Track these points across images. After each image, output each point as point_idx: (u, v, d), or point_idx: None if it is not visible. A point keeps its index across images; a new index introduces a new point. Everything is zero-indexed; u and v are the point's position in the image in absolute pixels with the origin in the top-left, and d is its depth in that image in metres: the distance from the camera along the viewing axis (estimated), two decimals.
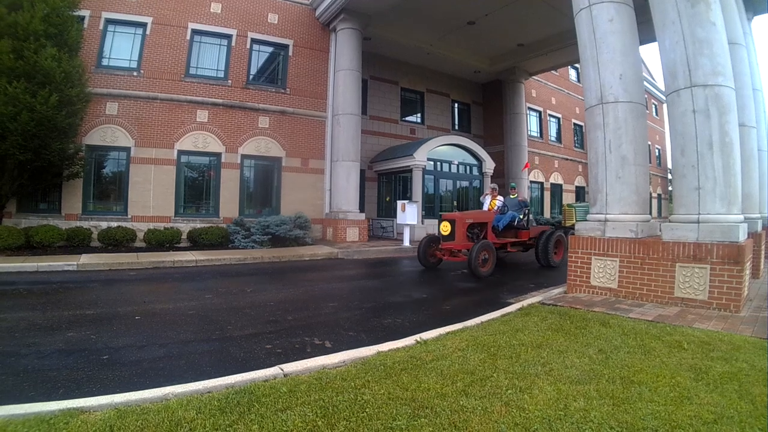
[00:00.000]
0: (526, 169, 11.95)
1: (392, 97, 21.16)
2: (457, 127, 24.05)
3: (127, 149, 13.34)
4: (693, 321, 5.21)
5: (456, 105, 24.26)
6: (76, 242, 11.74)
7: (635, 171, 6.91)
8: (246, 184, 15.32)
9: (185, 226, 13.57)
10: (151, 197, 13.57)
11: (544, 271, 10.57)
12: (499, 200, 11.61)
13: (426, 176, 18.06)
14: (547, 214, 25.98)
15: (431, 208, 18.54)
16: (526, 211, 11.90)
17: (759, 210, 9.48)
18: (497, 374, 3.44)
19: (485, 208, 12.17)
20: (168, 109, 13.86)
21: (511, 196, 12.06)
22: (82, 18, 12.62)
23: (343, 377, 3.37)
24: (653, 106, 37.44)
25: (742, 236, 5.80)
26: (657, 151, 38.70)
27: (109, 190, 13.59)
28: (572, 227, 14.05)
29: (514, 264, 11.82)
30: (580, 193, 28.62)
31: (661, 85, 7.38)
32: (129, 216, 13.20)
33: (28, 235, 10.98)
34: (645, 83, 25.91)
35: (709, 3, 6.14)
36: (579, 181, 28.73)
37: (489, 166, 19.95)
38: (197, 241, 13.14)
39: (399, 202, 15.56)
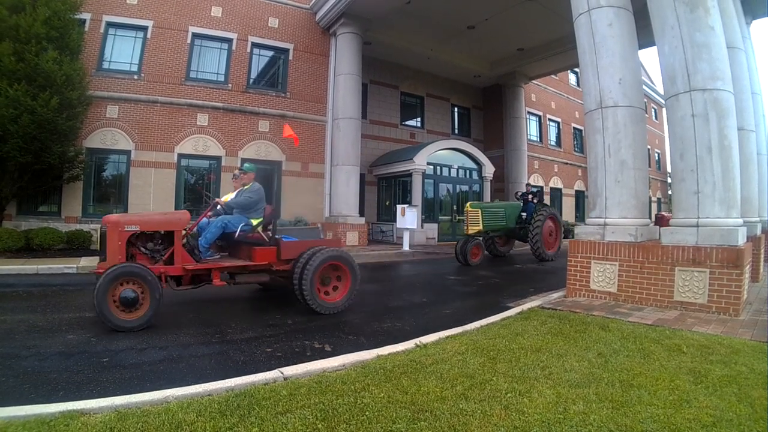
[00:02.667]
0: (290, 138, 8.10)
1: (392, 101, 21.21)
2: (457, 132, 24.09)
3: (128, 152, 13.37)
4: (692, 325, 5.21)
5: (456, 109, 24.31)
6: (76, 245, 11.73)
7: (634, 175, 6.92)
8: None
9: None
10: (152, 200, 13.58)
11: (543, 276, 10.57)
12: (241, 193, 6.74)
13: (426, 180, 18.10)
14: None
15: (431, 212, 18.56)
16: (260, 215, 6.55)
17: (758, 214, 9.49)
18: (497, 378, 3.44)
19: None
20: (168, 113, 13.89)
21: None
22: (84, 21, 12.68)
23: (343, 380, 3.37)
24: (653, 110, 37.51)
25: (741, 240, 5.82)
26: (656, 155, 38.74)
27: (109, 193, 13.62)
28: (478, 236, 12.81)
29: (513, 268, 11.81)
30: (580, 198, 28.64)
31: (661, 90, 7.41)
32: None
33: (28, 238, 10.98)
34: (644, 87, 26.00)
35: (708, 8, 6.18)
36: (579, 186, 28.76)
37: (489, 170, 19.98)
38: None
39: (399, 207, 15.60)
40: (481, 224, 12.44)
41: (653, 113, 37.81)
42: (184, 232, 5.86)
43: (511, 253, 15.82)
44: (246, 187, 6.72)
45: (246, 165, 7.10)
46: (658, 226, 7.39)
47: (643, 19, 7.33)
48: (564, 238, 15.11)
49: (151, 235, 5.60)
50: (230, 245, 6.63)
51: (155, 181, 13.57)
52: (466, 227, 12.79)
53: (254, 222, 6.36)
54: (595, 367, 3.70)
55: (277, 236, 6.36)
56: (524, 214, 14.01)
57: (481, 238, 12.84)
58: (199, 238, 6.00)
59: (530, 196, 14.45)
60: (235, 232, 6.10)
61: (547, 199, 26.58)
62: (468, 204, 13.27)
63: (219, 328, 5.29)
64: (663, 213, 18.24)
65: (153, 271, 5.20)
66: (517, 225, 13.96)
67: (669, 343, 4.39)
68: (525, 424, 2.69)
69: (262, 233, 6.40)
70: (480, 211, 12.60)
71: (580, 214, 28.10)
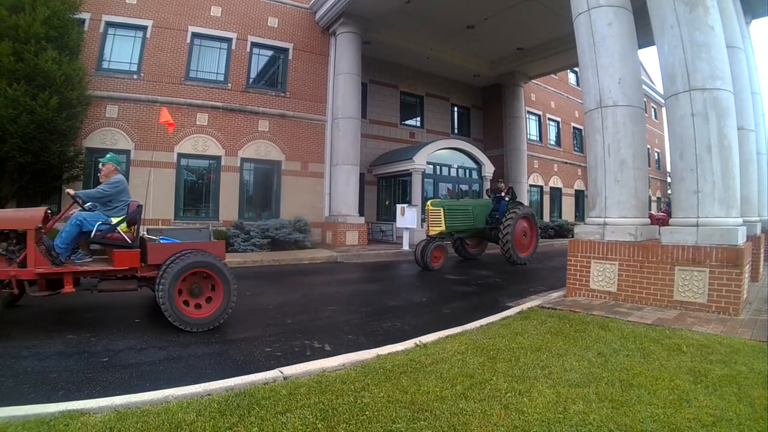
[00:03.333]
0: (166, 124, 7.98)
1: (392, 100, 21.19)
2: (456, 131, 24.08)
3: (127, 152, 13.35)
4: (692, 324, 5.21)
5: (456, 109, 24.30)
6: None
7: (634, 174, 6.92)
8: (246, 188, 15.33)
9: None
10: (151, 200, 13.53)
11: (543, 275, 10.57)
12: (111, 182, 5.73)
13: (425, 180, 18.07)
14: (546, 218, 25.99)
15: None
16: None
17: (758, 213, 9.50)
18: (496, 377, 3.45)
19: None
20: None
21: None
22: (83, 21, 12.65)
23: (342, 380, 3.37)
24: (652, 109, 37.52)
25: (741, 239, 5.82)
26: (656, 154, 38.76)
27: None
28: (440, 237, 11.44)
29: (512, 268, 11.81)
30: (580, 197, 28.65)
31: (660, 89, 7.41)
32: None
33: None
34: (644, 87, 26.02)
35: (708, 7, 6.18)
36: (578, 185, 28.76)
37: (488, 169, 19.96)
38: None
39: (398, 206, 15.59)
40: (443, 224, 11.26)
41: (653, 113, 37.82)
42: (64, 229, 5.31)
43: (496, 251, 15.78)
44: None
45: (108, 155, 6.11)
46: (657, 226, 7.39)
47: (642, 18, 7.33)
48: (562, 237, 14.93)
49: (6, 234, 5.00)
50: (105, 247, 5.76)
51: (155, 180, 13.53)
52: (426, 228, 11.67)
53: (114, 220, 5.36)
54: (594, 366, 3.70)
55: (153, 237, 5.59)
56: (497, 213, 12.82)
57: (443, 240, 11.50)
58: (55, 239, 5.29)
59: (503, 194, 13.33)
60: (92, 231, 5.23)
61: (546, 199, 26.58)
62: (429, 202, 11.83)
63: (218, 327, 5.28)
64: (651, 212, 18.19)
65: (2, 274, 4.65)
66: (488, 225, 12.81)
67: (669, 343, 4.39)
68: (525, 423, 2.69)
69: (123, 234, 5.34)
70: (442, 210, 11.38)
71: (580, 213, 28.12)
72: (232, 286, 5.30)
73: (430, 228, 11.36)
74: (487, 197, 14.27)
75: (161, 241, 5.52)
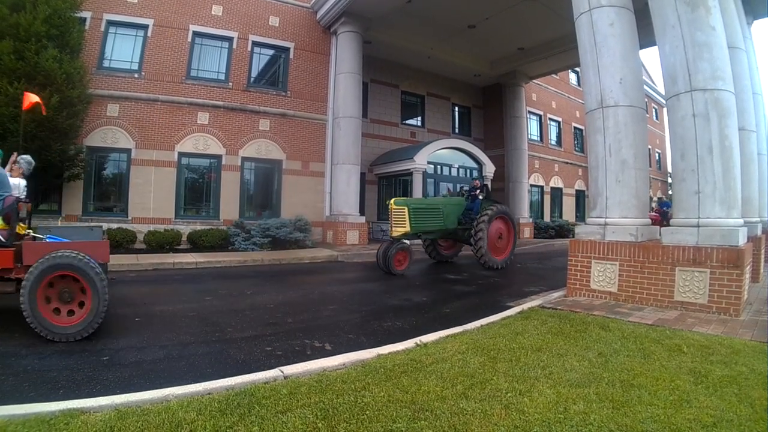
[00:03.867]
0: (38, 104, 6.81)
1: (393, 100, 21.18)
2: (457, 131, 24.07)
3: (128, 151, 13.36)
4: (693, 325, 5.21)
5: (456, 108, 24.28)
6: None
7: (635, 175, 6.92)
8: (246, 187, 15.34)
9: (185, 228, 13.57)
10: (152, 199, 13.58)
11: (544, 275, 10.56)
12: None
13: (426, 180, 18.07)
14: (547, 218, 25.98)
15: None
16: None
17: (759, 214, 9.49)
18: (497, 377, 3.44)
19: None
20: (169, 111, 13.88)
21: None
22: (84, 19, 12.65)
23: (343, 380, 3.37)
24: (653, 110, 37.50)
25: (741, 240, 5.81)
26: (657, 155, 38.73)
27: (110, 191, 13.61)
28: (403, 238, 10.34)
29: (513, 267, 11.81)
30: (580, 197, 28.63)
31: (662, 89, 7.42)
32: (129, 218, 13.21)
33: None
34: (645, 87, 25.96)
35: (709, 7, 6.17)
36: (579, 185, 28.75)
37: (489, 169, 19.96)
38: (197, 243, 13.14)
39: None
40: (408, 225, 10.11)
41: (654, 113, 37.79)
42: None
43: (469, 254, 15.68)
44: None
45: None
46: (658, 226, 7.39)
47: (644, 18, 7.33)
48: (563, 237, 14.50)
49: None
50: None
51: (155, 179, 13.56)
52: (390, 228, 10.53)
53: None
54: (595, 366, 3.70)
55: (40, 236, 5.16)
56: (472, 212, 11.66)
57: (407, 242, 10.36)
58: None
59: (477, 191, 12.23)
60: None
61: (547, 199, 26.55)
62: (392, 200, 10.53)
63: (219, 326, 5.29)
64: None
65: None
66: (460, 226, 11.62)
67: (669, 343, 4.39)
68: (525, 423, 2.69)
69: None
70: (407, 209, 10.19)
71: (581, 213, 28.10)
72: (102, 292, 4.65)
73: (394, 229, 10.31)
74: (459, 195, 13.07)
75: (47, 240, 5.08)
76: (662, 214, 17.01)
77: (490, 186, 20.04)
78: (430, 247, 12.41)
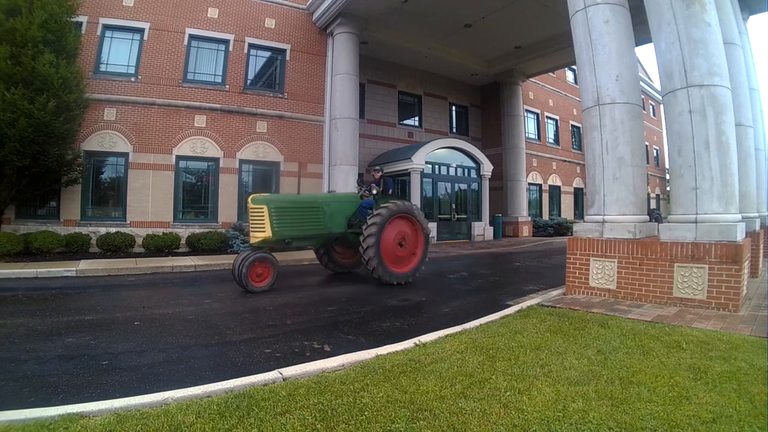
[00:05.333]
0: None
1: (390, 100, 21.21)
2: (455, 130, 24.10)
3: (126, 155, 13.35)
4: (692, 321, 5.22)
5: (454, 108, 24.32)
6: (74, 248, 11.73)
7: (632, 172, 6.93)
8: (244, 189, 15.32)
9: (184, 232, 13.57)
10: (150, 203, 13.57)
11: (543, 273, 10.57)
12: None
13: (424, 179, 18.11)
14: (545, 216, 26.01)
15: (430, 211, 18.56)
16: None
17: (756, 209, 9.50)
18: (496, 376, 3.45)
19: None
20: (166, 115, 13.88)
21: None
22: (80, 24, 12.65)
23: (342, 381, 3.37)
24: (650, 106, 37.55)
25: (739, 235, 5.82)
26: (655, 151, 38.79)
27: (108, 195, 13.59)
28: (261, 245, 8.17)
29: (512, 266, 11.82)
30: (579, 195, 28.67)
31: (658, 86, 7.42)
32: (128, 221, 13.20)
33: (27, 242, 10.97)
34: (642, 84, 26.04)
35: (704, 3, 6.18)
36: (577, 183, 28.79)
37: (487, 168, 20.00)
38: (196, 246, 13.13)
39: None
40: (269, 229, 7.98)
41: (651, 110, 37.85)
42: None
43: (495, 250, 15.61)
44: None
45: None
46: (656, 223, 7.39)
47: (639, 15, 7.33)
48: (562, 235, 13.55)
49: None
50: None
51: (153, 183, 13.55)
52: (249, 233, 8.38)
53: None
54: (594, 364, 3.70)
55: None
56: (371, 211, 9.04)
57: (265, 252, 8.05)
58: None
59: (372, 185, 9.74)
60: None
61: (545, 197, 26.51)
62: (250, 198, 8.26)
63: (218, 329, 5.29)
64: None
65: None
66: (350, 230, 9.15)
67: (668, 340, 4.39)
68: (524, 422, 2.69)
69: None
70: (266, 209, 8.02)
71: (579, 211, 28.16)
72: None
73: (252, 234, 8.20)
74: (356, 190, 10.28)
75: None
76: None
77: (487, 184, 20.15)
78: (324, 256, 10.00)
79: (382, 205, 8.72)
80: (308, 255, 12.72)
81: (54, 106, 10.38)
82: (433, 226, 18.23)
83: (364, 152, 18.78)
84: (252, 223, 8.15)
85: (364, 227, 8.47)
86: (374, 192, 9.36)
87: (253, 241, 8.16)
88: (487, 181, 20.23)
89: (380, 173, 9.76)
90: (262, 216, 8.01)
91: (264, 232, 8.00)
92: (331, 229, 8.91)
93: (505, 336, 4.58)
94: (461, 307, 6.78)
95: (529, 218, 23.57)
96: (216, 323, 5.58)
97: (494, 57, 21.68)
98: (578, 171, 28.61)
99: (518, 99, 23.29)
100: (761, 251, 9.04)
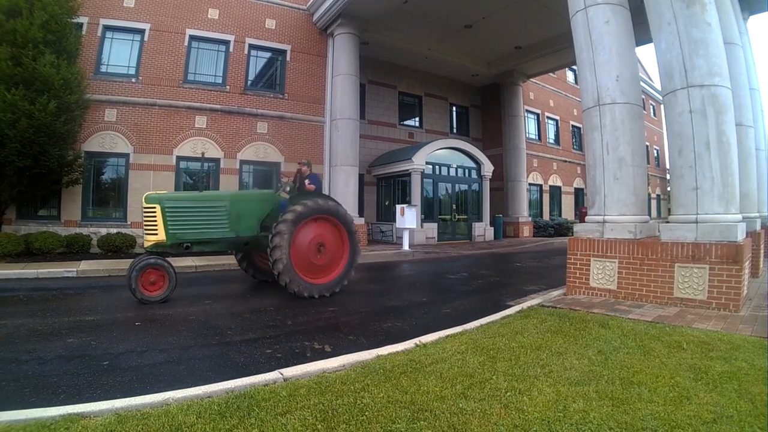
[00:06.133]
0: None
1: (390, 101, 21.22)
2: (455, 131, 24.11)
3: (126, 155, 13.37)
4: (692, 321, 5.21)
5: (454, 108, 24.33)
6: (75, 249, 11.74)
7: (633, 172, 6.92)
8: (245, 189, 15.33)
9: None
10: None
11: (544, 274, 10.57)
12: None
13: (425, 180, 18.11)
14: (546, 217, 26.00)
15: (431, 211, 18.57)
16: None
17: (757, 209, 9.49)
18: (496, 376, 3.44)
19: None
20: (166, 116, 13.89)
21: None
22: (81, 25, 12.67)
23: (342, 381, 3.37)
24: (651, 106, 37.54)
25: (740, 236, 5.82)
26: (655, 151, 38.76)
27: (109, 196, 13.61)
28: (163, 251, 7.26)
29: (513, 267, 11.82)
30: (579, 195, 28.66)
31: (659, 86, 7.40)
32: (128, 222, 13.21)
33: (28, 242, 10.98)
34: (642, 84, 26.03)
35: (705, 4, 6.18)
36: (578, 183, 28.78)
37: (488, 169, 20.00)
38: None
39: (398, 206, 15.61)
40: (162, 232, 7.04)
41: (651, 110, 37.84)
42: None
43: (496, 251, 15.61)
44: None
45: None
46: (657, 223, 7.39)
47: (639, 15, 7.33)
48: (562, 235, 13.33)
49: None
50: None
51: (154, 183, 13.55)
52: (145, 236, 7.24)
53: None
54: (595, 364, 3.70)
55: None
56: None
57: (157, 259, 6.97)
58: None
59: (284, 181, 8.79)
60: None
61: (546, 198, 26.51)
62: (144, 196, 7.25)
63: (219, 329, 5.30)
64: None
65: None
66: (262, 232, 7.85)
67: (669, 340, 4.39)
68: (525, 422, 2.69)
69: None
70: (159, 209, 7.06)
71: (580, 211, 28.13)
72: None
73: (145, 237, 7.19)
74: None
75: None
76: None
77: (487, 185, 20.13)
78: (243, 261, 8.89)
79: (295, 204, 7.51)
80: None
81: (55, 106, 10.40)
82: (433, 227, 18.28)
83: (364, 153, 18.79)
84: (145, 225, 7.17)
85: (274, 227, 7.25)
86: (287, 189, 8.29)
87: (146, 245, 7.16)
88: (488, 182, 20.23)
89: (307, 167, 8.58)
90: (155, 216, 7.03)
91: (157, 234, 7.03)
92: (238, 232, 7.67)
93: (506, 336, 4.58)
94: (462, 307, 6.78)
95: (530, 219, 23.58)
96: (217, 323, 5.59)
97: (495, 57, 21.68)
98: (579, 171, 28.60)
99: (519, 99, 23.29)
100: (762, 251, 9.03)
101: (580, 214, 24.69)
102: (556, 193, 27.42)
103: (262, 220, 7.96)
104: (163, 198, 7.23)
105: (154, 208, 7.04)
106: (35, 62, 10.31)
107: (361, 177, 18.29)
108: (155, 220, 7.04)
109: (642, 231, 6.82)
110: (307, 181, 8.23)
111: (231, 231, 7.60)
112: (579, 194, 28.74)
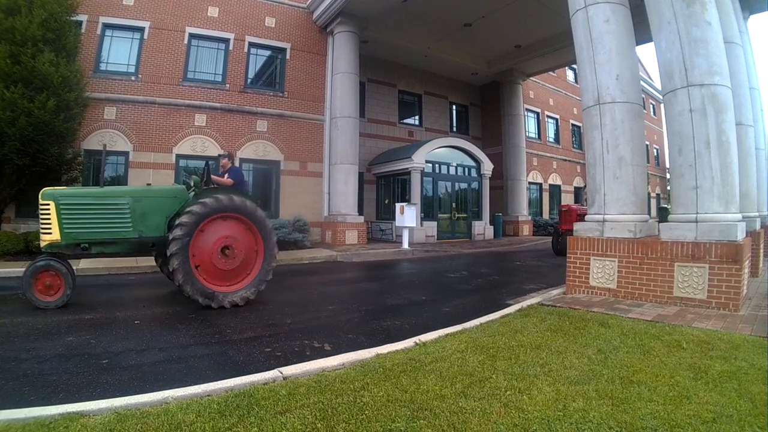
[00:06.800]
0: None
1: (390, 99, 21.20)
2: (455, 129, 24.10)
3: (126, 154, 13.36)
4: (692, 320, 5.21)
5: (454, 107, 24.32)
6: None
7: (633, 171, 6.92)
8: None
9: None
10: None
11: (543, 273, 10.57)
12: None
13: (424, 178, 18.11)
14: (546, 216, 26.01)
15: (430, 210, 18.57)
16: None
17: (757, 208, 9.50)
18: (496, 375, 3.44)
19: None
20: (166, 114, 13.88)
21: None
22: (80, 23, 12.65)
23: (342, 380, 3.37)
24: (651, 105, 37.53)
25: (740, 235, 5.82)
26: (655, 150, 38.76)
27: None
28: (59, 252, 6.54)
29: (513, 265, 11.82)
30: (579, 194, 28.65)
31: (659, 85, 7.40)
32: None
33: (27, 240, 10.95)
34: (642, 83, 26.01)
35: (705, 3, 6.17)
36: (577, 182, 28.78)
37: (487, 167, 19.99)
38: None
39: (398, 205, 15.61)
40: (56, 231, 6.37)
41: (651, 109, 37.83)
42: None
43: (495, 249, 15.61)
44: None
45: None
46: (657, 222, 7.39)
47: (640, 14, 7.32)
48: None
49: None
50: None
51: (154, 182, 13.46)
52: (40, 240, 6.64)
53: None
54: (594, 363, 3.70)
55: None
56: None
57: (51, 261, 6.34)
58: None
59: (192, 176, 8.21)
60: None
61: (546, 197, 26.51)
62: (40, 192, 6.51)
63: (218, 328, 5.29)
64: (569, 204, 17.72)
65: None
66: (170, 232, 6.72)
67: (669, 339, 4.39)
68: (524, 421, 2.68)
69: None
70: (53, 206, 6.37)
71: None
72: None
73: (41, 237, 6.57)
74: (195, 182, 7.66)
75: None
76: None
77: (487, 183, 20.11)
78: (160, 259, 8.08)
79: (198, 201, 6.66)
80: (307, 254, 12.73)
81: (54, 105, 10.38)
82: (433, 225, 18.27)
83: (364, 151, 18.78)
84: (41, 223, 6.51)
85: (174, 228, 6.50)
86: (191, 183, 7.39)
87: (42, 245, 6.51)
88: (488, 180, 20.22)
89: (227, 159, 8.01)
90: (50, 214, 6.37)
91: (51, 234, 6.37)
92: (143, 232, 6.81)
93: (506, 335, 4.58)
94: (461, 306, 6.77)
95: (530, 217, 23.58)
96: (216, 322, 5.58)
97: (494, 56, 21.67)
98: (578, 170, 28.60)
99: (518, 98, 23.28)
100: (762, 251, 9.03)
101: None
102: (555, 191, 27.43)
103: (170, 219, 6.97)
104: (58, 194, 6.53)
105: (48, 205, 6.38)
106: (34, 60, 10.29)
107: (360, 175, 18.29)
108: (50, 218, 6.39)
109: (642, 230, 6.82)
110: (225, 176, 7.65)
111: (134, 231, 6.77)
112: (579, 193, 28.72)
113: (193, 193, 7.11)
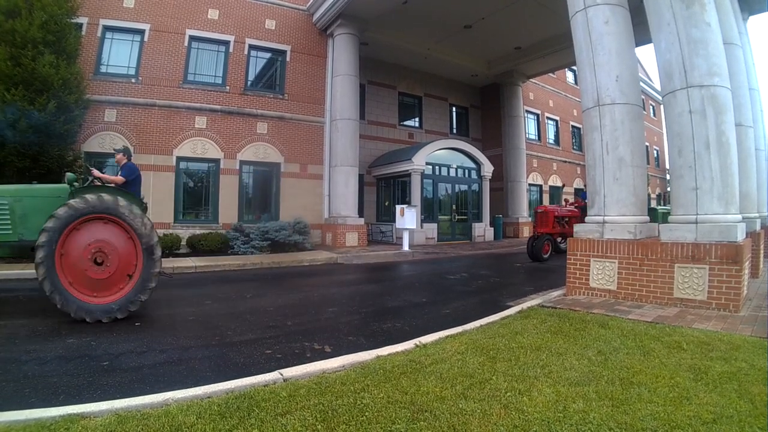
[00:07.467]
0: None
1: (390, 101, 21.21)
2: (455, 131, 24.10)
3: None
4: (692, 321, 5.21)
5: (454, 109, 24.32)
6: None
7: (633, 172, 6.92)
8: (245, 190, 15.35)
9: (184, 233, 13.56)
10: (150, 204, 13.41)
11: (544, 274, 10.57)
12: None
13: (425, 180, 18.10)
14: None
15: (430, 212, 18.57)
16: None
17: (757, 209, 9.49)
18: (496, 377, 3.44)
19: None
20: (166, 116, 13.89)
21: None
22: (80, 25, 12.65)
23: (342, 381, 3.37)
24: (651, 107, 37.53)
25: (740, 236, 5.82)
26: (655, 152, 38.75)
27: None
28: None
29: (513, 267, 11.81)
30: (574, 195, 28.64)
31: (658, 86, 7.42)
32: None
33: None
34: (642, 84, 26.04)
35: (704, 4, 6.18)
36: (578, 183, 28.74)
37: (487, 169, 19.99)
38: (196, 247, 13.13)
39: (398, 207, 15.59)
40: None
41: (651, 110, 37.83)
42: None
43: (496, 251, 15.60)
44: None
45: None
46: (657, 223, 7.38)
47: (639, 15, 7.33)
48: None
49: None
50: None
51: (154, 184, 13.53)
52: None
53: None
54: (594, 365, 3.70)
55: None
56: None
57: None
58: None
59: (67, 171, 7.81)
60: None
61: (546, 198, 26.49)
62: None
63: (219, 330, 5.29)
64: (545, 206, 17.81)
65: None
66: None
67: (669, 340, 4.39)
68: (525, 423, 2.69)
69: None
70: None
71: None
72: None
73: None
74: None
75: None
76: (582, 209, 13.96)
77: (487, 185, 20.07)
78: None
79: (66, 203, 5.85)
80: (307, 257, 12.73)
81: (54, 106, 10.39)
82: (433, 227, 18.27)
83: (364, 153, 18.78)
84: None
85: (41, 233, 5.64)
86: (67, 181, 6.36)
87: None
88: (488, 182, 20.22)
89: (122, 155, 7.24)
90: None
91: None
92: (23, 235, 6.09)
93: (506, 337, 4.58)
94: (462, 308, 6.78)
95: (530, 219, 23.54)
96: (217, 324, 5.58)
97: (494, 58, 21.69)
98: (579, 172, 28.58)
99: (518, 100, 23.29)
100: (762, 251, 9.03)
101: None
102: (556, 193, 27.39)
103: None
104: None
105: None
106: (34, 62, 10.31)
107: (360, 177, 18.30)
108: None
109: (642, 231, 6.83)
110: (119, 173, 6.94)
111: (14, 234, 6.07)
112: (579, 194, 28.70)
113: (70, 191, 6.24)
